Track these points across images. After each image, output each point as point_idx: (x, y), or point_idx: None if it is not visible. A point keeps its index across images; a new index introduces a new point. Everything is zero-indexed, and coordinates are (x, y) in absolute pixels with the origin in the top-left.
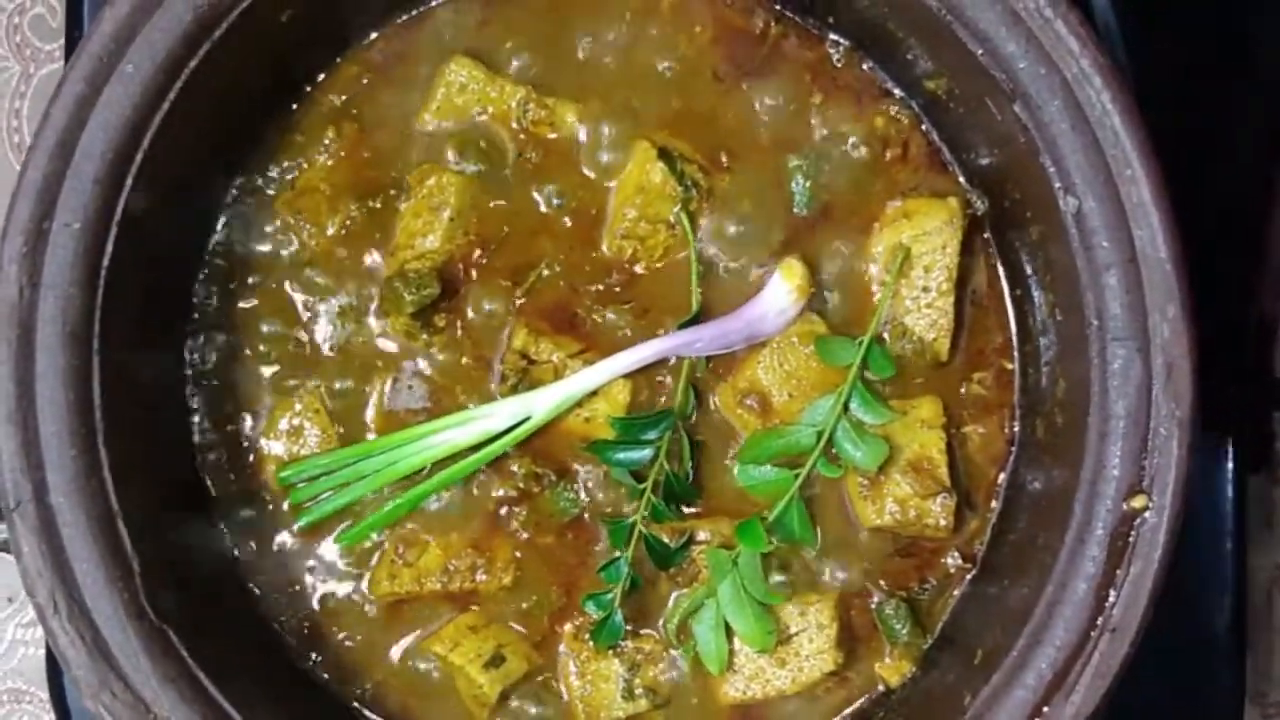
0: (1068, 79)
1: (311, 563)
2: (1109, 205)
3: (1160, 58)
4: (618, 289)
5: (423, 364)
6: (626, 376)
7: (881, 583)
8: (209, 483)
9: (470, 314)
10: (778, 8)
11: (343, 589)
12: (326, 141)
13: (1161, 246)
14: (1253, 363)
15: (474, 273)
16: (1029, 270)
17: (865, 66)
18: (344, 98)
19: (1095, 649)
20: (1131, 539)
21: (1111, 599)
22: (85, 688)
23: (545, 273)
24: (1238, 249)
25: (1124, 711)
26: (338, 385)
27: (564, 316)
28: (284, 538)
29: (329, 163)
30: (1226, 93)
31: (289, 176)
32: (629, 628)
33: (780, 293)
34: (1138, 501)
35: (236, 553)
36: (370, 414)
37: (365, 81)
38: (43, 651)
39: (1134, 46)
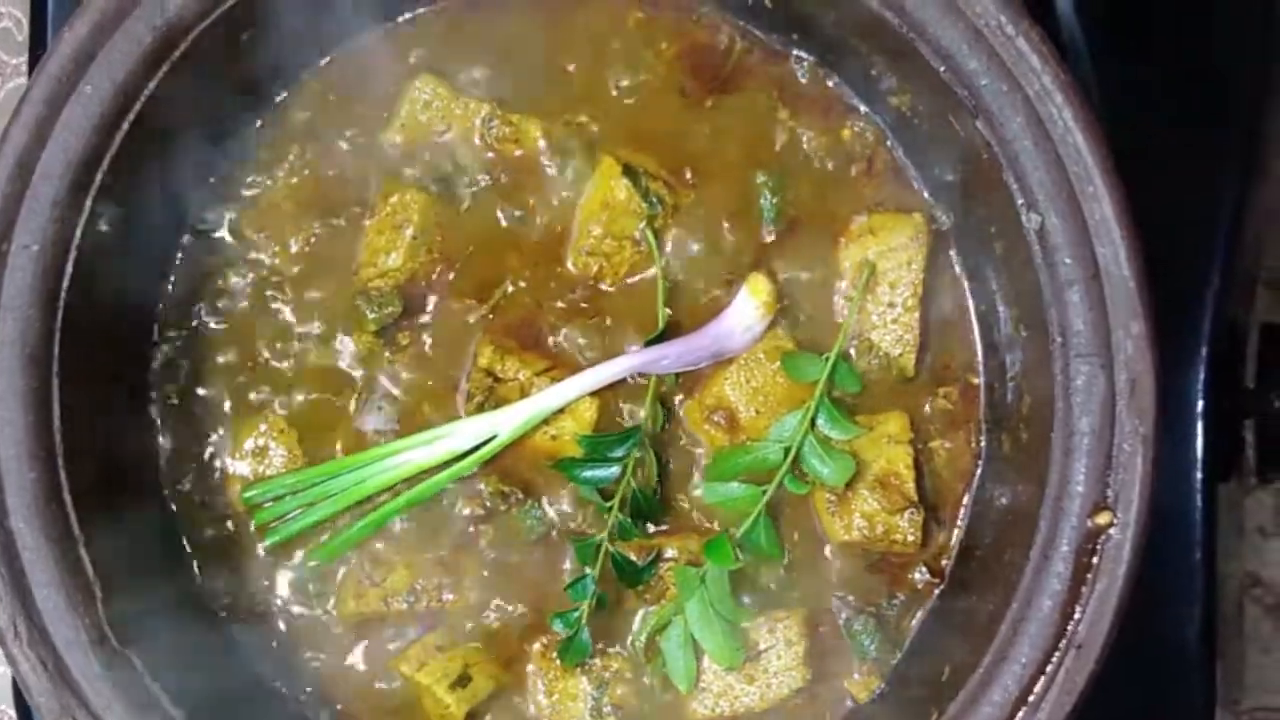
0: (1029, 96)
1: (277, 583)
2: (1071, 222)
3: (1128, 72)
4: (584, 305)
5: (388, 382)
6: (593, 394)
7: (850, 598)
8: (173, 505)
9: (435, 332)
10: (742, 24)
11: (309, 609)
12: (291, 159)
13: (1124, 263)
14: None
15: (438, 290)
16: (994, 286)
17: (830, 83)
18: (308, 115)
19: (1061, 666)
20: (1096, 556)
21: (1077, 615)
22: (47, 714)
23: (510, 290)
24: (1207, 258)
25: None
26: (303, 405)
27: (530, 334)
28: (249, 558)
29: (293, 180)
30: (1196, 105)
31: (252, 194)
32: (597, 646)
33: (747, 309)
34: (1102, 518)
35: (201, 575)
36: (338, 433)
37: (330, 99)
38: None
39: (1101, 61)
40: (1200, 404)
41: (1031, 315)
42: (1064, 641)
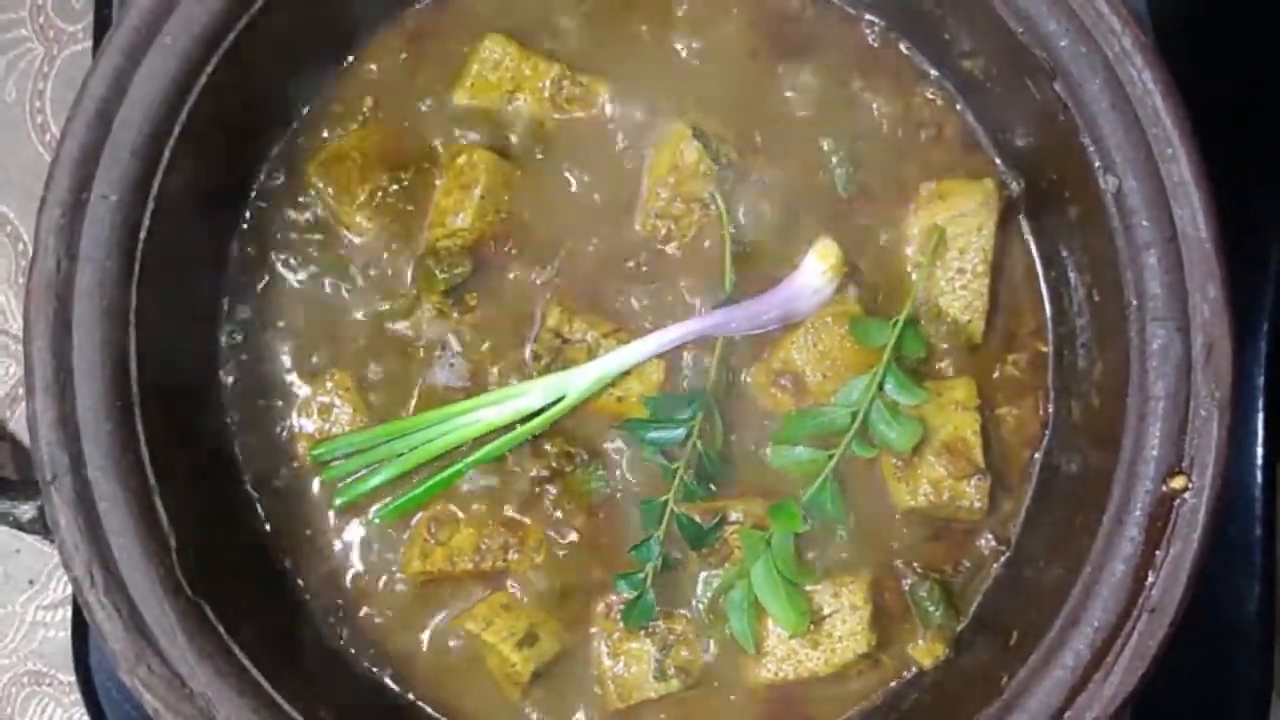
0: (1109, 57)
1: (343, 541)
2: (1149, 184)
3: (1192, 39)
4: (651, 268)
5: (456, 342)
6: (660, 356)
7: (915, 564)
8: (242, 459)
9: (503, 292)
10: None
11: (374, 567)
12: (363, 113)
13: (1202, 226)
14: None
15: (506, 251)
16: (1065, 252)
17: (902, 47)
18: (381, 71)
19: (1134, 630)
20: (1171, 519)
21: (1150, 580)
22: (122, 662)
23: (578, 252)
24: (1268, 235)
25: (1150, 699)
26: (369, 363)
27: (597, 295)
28: (316, 516)
29: (362, 131)
30: (1254, 75)
31: (323, 144)
32: (661, 608)
33: (814, 273)
34: (1177, 482)
35: (269, 530)
36: (404, 393)
37: (403, 55)
38: (63, 634)
39: (1163, 27)
40: (1262, 379)
41: (1104, 280)
42: (1137, 605)
